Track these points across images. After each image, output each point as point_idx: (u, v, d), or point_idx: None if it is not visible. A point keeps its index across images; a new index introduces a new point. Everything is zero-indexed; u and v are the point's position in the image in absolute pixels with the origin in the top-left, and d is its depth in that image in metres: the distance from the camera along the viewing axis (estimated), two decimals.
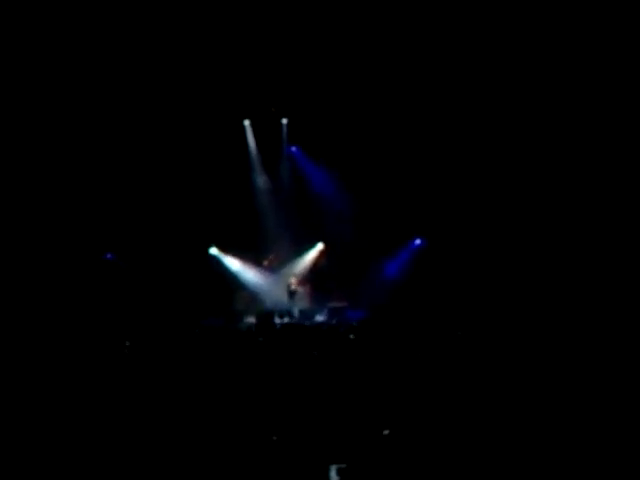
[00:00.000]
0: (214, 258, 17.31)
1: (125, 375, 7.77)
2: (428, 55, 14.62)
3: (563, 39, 13.16)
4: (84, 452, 5.16)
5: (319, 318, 15.88)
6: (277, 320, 15.28)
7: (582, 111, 13.72)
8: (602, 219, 13.45)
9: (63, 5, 12.79)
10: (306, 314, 16.02)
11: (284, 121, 17.45)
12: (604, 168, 13.53)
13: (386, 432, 5.10)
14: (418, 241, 16.85)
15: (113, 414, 6.05)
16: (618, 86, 12.98)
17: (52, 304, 14.12)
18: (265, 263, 17.44)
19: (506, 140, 14.92)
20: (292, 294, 16.65)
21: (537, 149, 14.56)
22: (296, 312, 16.13)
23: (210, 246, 17.25)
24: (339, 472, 4.59)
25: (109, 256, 16.56)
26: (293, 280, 16.84)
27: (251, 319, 15.52)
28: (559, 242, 14.08)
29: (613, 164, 13.40)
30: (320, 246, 17.52)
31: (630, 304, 10.21)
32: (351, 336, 10.27)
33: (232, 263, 17.39)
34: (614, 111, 13.23)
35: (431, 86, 15.24)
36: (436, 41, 14.28)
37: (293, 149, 17.80)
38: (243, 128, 17.50)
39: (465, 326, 10.68)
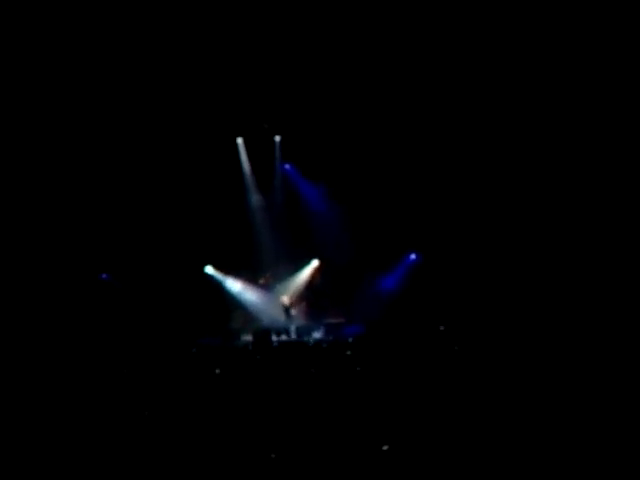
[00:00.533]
0: (210, 277, 17.27)
1: (123, 394, 7.74)
2: (420, 71, 14.71)
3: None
4: (82, 471, 5.14)
5: (316, 335, 15.83)
6: (274, 338, 15.24)
7: (581, 124, 13.77)
8: (601, 231, 13.49)
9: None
10: (303, 331, 15.98)
11: (277, 139, 17.51)
12: (604, 179, 13.56)
13: (385, 448, 5.09)
14: (413, 256, 16.85)
15: (111, 433, 6.02)
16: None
17: (48, 325, 14.07)
18: (261, 281, 17.41)
19: (499, 154, 14.98)
20: (287, 310, 16.62)
21: (531, 161, 14.61)
22: (293, 329, 16.08)
23: (205, 265, 17.21)
24: None
25: (104, 276, 16.51)
26: (285, 297, 16.82)
27: (248, 337, 15.47)
28: (555, 254, 14.11)
29: (614, 173, 13.42)
30: (315, 263, 17.51)
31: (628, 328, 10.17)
32: (348, 352, 10.25)
33: (228, 282, 17.35)
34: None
35: (424, 103, 15.31)
36: (427, 59, 14.39)
37: (286, 166, 17.83)
38: (236, 146, 17.53)
39: (462, 340, 10.69)
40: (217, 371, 11.03)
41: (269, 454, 5.25)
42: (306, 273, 17.55)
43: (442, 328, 12.67)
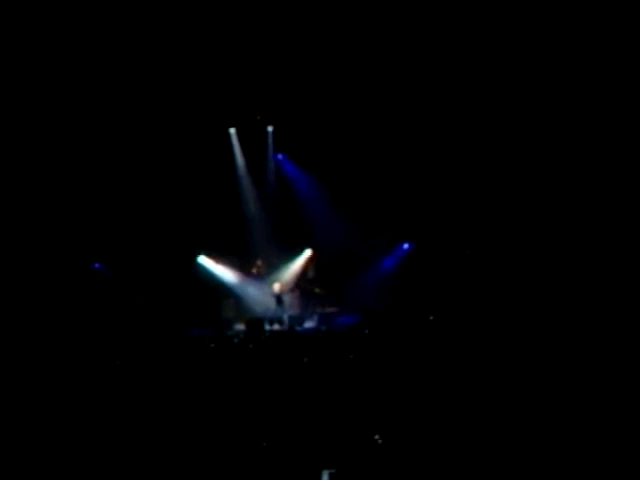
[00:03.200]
0: (202, 266, 17.27)
1: (115, 386, 7.76)
2: (408, 61, 14.71)
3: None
4: (76, 467, 5.16)
5: (309, 324, 15.86)
6: (267, 327, 15.26)
7: (577, 118, 13.79)
8: (588, 216, 13.55)
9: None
10: (296, 320, 16.00)
11: (269, 129, 17.48)
12: (596, 173, 13.61)
13: (377, 437, 5.13)
14: (406, 245, 16.89)
15: (104, 425, 6.04)
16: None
17: (38, 314, 14.04)
18: (253, 270, 17.40)
19: (489, 144, 15.02)
20: (279, 299, 16.64)
21: (525, 151, 14.64)
22: (286, 319, 16.11)
23: (197, 254, 17.20)
24: (331, 477, 4.62)
25: (96, 266, 16.47)
26: (277, 285, 16.84)
27: (240, 327, 15.49)
28: (550, 242, 14.15)
29: (611, 172, 13.46)
30: (308, 252, 17.53)
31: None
32: (342, 342, 10.30)
33: (220, 271, 17.34)
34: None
35: (416, 92, 15.32)
36: (421, 51, 14.39)
37: (279, 156, 17.81)
38: (229, 136, 17.49)
39: (457, 330, 10.73)
40: (212, 345, 11.11)
41: (261, 443, 5.28)
42: (299, 262, 17.58)
43: (431, 318, 12.70)
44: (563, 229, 13.87)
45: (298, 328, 15.24)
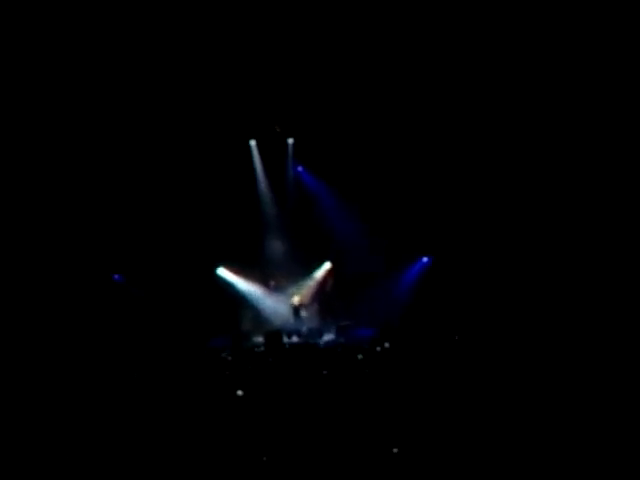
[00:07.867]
0: (221, 279, 17.32)
1: (133, 396, 7.78)
2: (435, 73, 14.70)
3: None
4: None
5: (327, 337, 15.83)
6: (285, 339, 15.25)
7: (588, 126, 13.70)
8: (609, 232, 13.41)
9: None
10: (314, 333, 15.98)
11: (290, 141, 17.55)
12: (614, 181, 13.47)
13: (395, 450, 5.09)
14: (425, 259, 16.83)
15: (120, 435, 6.05)
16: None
17: (60, 326, 14.14)
18: (272, 283, 17.43)
19: (511, 158, 14.93)
20: (296, 311, 16.62)
21: (542, 162, 14.55)
22: (304, 331, 16.10)
23: (217, 267, 17.26)
24: None
25: (117, 277, 16.59)
26: (296, 298, 16.82)
27: (259, 339, 15.50)
28: (569, 257, 14.01)
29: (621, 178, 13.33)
30: (327, 265, 17.53)
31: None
32: (359, 356, 10.24)
33: (239, 283, 17.39)
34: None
35: (437, 108, 15.29)
36: (442, 60, 14.38)
37: (299, 169, 17.87)
38: (249, 148, 17.57)
39: (475, 345, 10.62)
40: (229, 358, 11.08)
41: (276, 456, 5.26)
42: (318, 275, 17.59)
43: (457, 337, 12.48)
44: (588, 236, 13.72)
45: (317, 340, 15.23)
